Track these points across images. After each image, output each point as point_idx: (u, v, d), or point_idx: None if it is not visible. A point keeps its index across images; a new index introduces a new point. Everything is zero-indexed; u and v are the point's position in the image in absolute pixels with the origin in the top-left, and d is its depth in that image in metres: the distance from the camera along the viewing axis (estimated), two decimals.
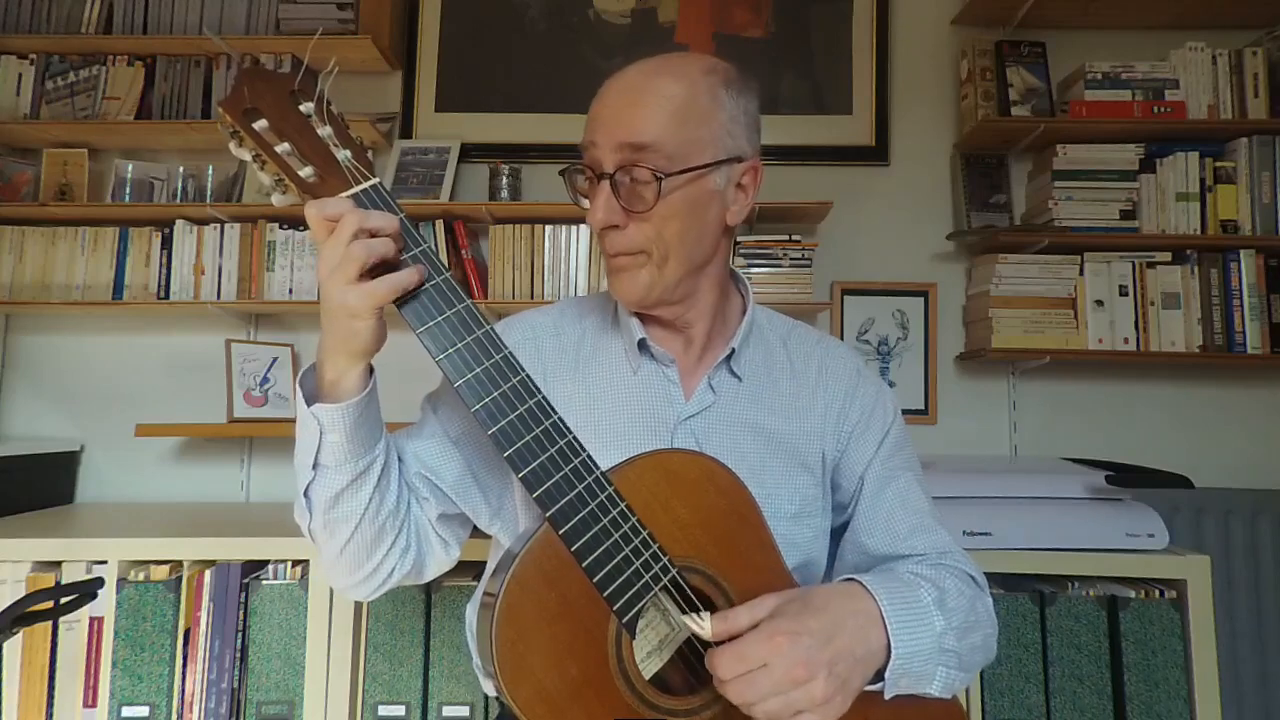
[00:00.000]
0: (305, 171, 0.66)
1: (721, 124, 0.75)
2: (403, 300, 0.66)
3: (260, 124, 0.66)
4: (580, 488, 0.65)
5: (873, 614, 0.67)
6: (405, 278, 0.64)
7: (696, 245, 0.77)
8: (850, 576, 0.71)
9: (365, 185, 0.67)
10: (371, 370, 0.70)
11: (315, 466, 0.70)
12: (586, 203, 0.76)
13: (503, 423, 0.65)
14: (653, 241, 0.75)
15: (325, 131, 0.68)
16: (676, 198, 0.73)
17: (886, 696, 0.68)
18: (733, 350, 0.82)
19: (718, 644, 0.64)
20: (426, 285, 0.67)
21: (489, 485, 0.81)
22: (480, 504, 0.81)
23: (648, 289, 0.76)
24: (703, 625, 0.64)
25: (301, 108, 0.68)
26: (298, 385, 0.70)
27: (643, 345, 0.81)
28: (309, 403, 0.68)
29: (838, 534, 0.86)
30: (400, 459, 0.80)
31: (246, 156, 0.67)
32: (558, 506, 0.64)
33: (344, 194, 0.66)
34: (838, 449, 0.84)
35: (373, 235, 0.63)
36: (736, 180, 0.78)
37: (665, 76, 0.73)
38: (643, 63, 0.76)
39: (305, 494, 0.72)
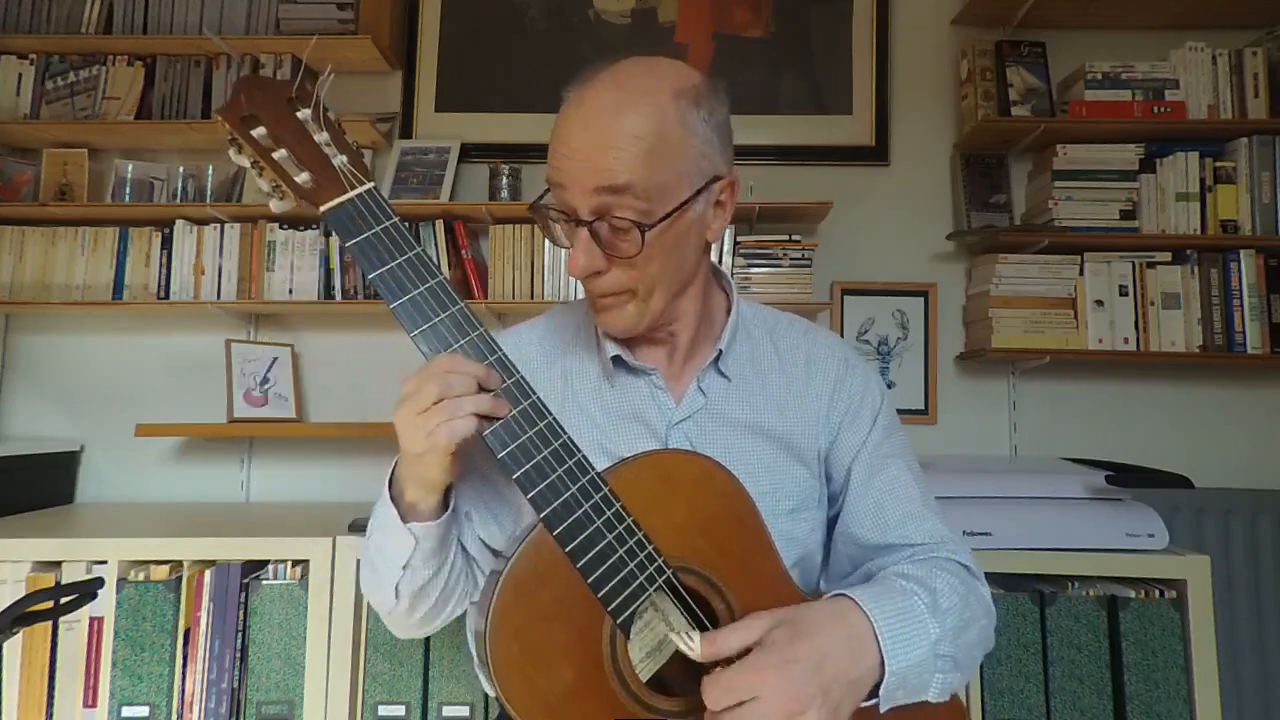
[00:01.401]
0: (302, 177, 0.67)
1: (696, 150, 0.72)
2: (395, 305, 0.67)
3: (258, 131, 0.67)
4: (575, 489, 0.65)
5: (865, 632, 0.66)
6: (466, 424, 0.64)
7: (678, 273, 0.77)
8: (841, 591, 0.70)
9: (360, 190, 0.68)
10: (449, 492, 0.73)
11: (405, 567, 0.73)
12: (561, 236, 0.75)
13: (498, 424, 0.66)
14: (638, 280, 0.74)
15: (322, 137, 0.69)
16: (658, 241, 0.72)
17: (882, 710, 0.67)
18: (719, 352, 0.82)
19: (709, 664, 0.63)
20: (421, 288, 0.67)
21: (503, 516, 0.82)
22: (498, 534, 0.83)
23: (635, 321, 0.76)
24: (692, 646, 0.63)
25: (299, 114, 0.69)
26: (386, 491, 0.72)
27: (617, 361, 0.82)
28: (401, 517, 0.71)
29: (830, 525, 0.85)
30: None
31: (245, 163, 0.69)
32: (552, 508, 0.64)
33: (339, 199, 0.67)
34: (828, 439, 0.84)
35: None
36: (715, 199, 0.76)
37: (631, 112, 0.69)
38: (605, 90, 0.70)
39: (395, 589, 0.75)
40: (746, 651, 0.62)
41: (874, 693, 0.66)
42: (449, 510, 0.73)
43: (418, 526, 0.70)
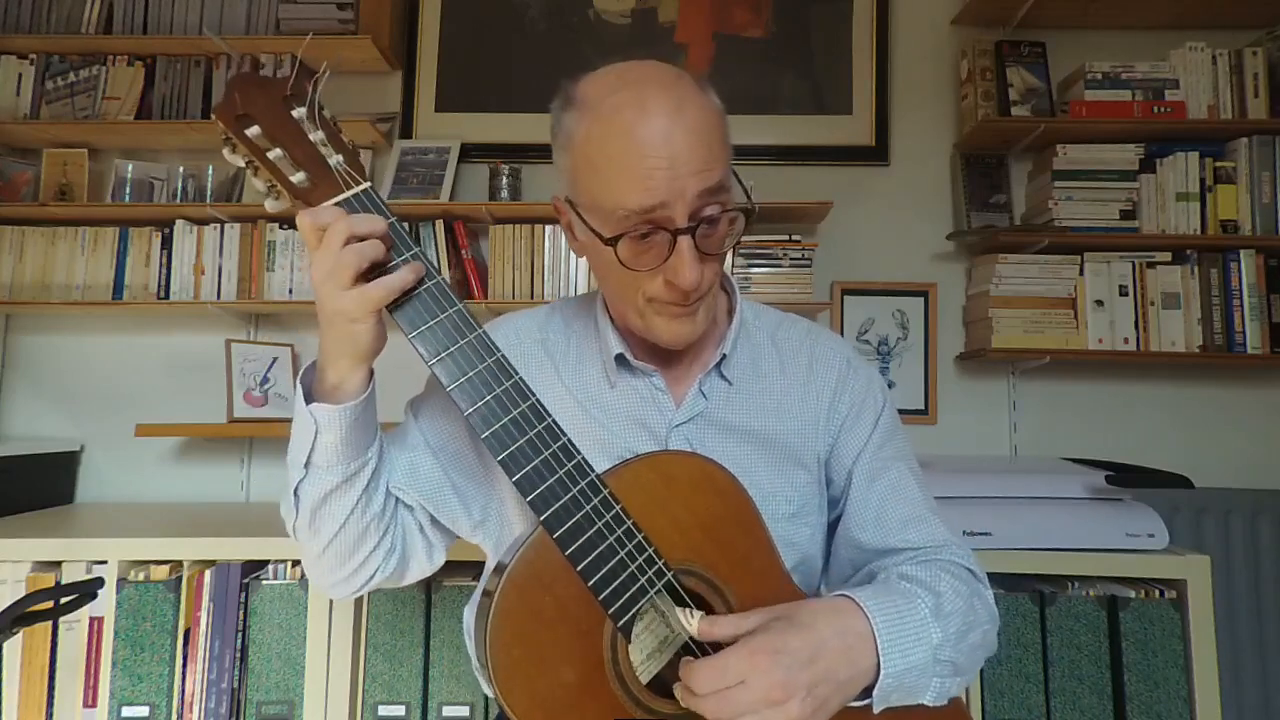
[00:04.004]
0: (297, 177, 0.66)
1: (728, 136, 0.73)
2: (397, 304, 0.66)
3: (253, 130, 0.66)
4: (575, 490, 0.65)
5: (864, 633, 0.65)
6: (401, 277, 0.64)
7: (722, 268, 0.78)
8: (843, 592, 0.69)
9: (357, 190, 0.67)
10: (371, 374, 0.70)
11: (307, 465, 0.70)
12: (636, 256, 0.69)
13: (496, 426, 0.65)
14: (715, 279, 0.74)
15: (317, 136, 0.68)
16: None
17: (875, 710, 0.66)
18: (723, 356, 0.81)
19: (701, 652, 0.64)
20: (419, 289, 0.67)
21: (470, 496, 0.80)
22: (460, 515, 0.80)
23: (703, 324, 0.76)
24: (691, 622, 0.64)
25: (294, 113, 0.67)
26: (298, 382, 0.69)
27: (620, 359, 0.81)
28: (308, 400, 0.68)
29: (831, 529, 0.85)
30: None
31: (240, 163, 0.67)
32: (552, 510, 0.64)
33: (334, 199, 0.66)
34: (829, 443, 0.83)
35: (362, 239, 0.63)
36: None
37: (699, 106, 0.68)
38: (659, 91, 0.68)
39: (295, 492, 0.71)
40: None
41: (866, 693, 0.66)
42: (370, 388, 0.69)
43: (320, 409, 0.66)
